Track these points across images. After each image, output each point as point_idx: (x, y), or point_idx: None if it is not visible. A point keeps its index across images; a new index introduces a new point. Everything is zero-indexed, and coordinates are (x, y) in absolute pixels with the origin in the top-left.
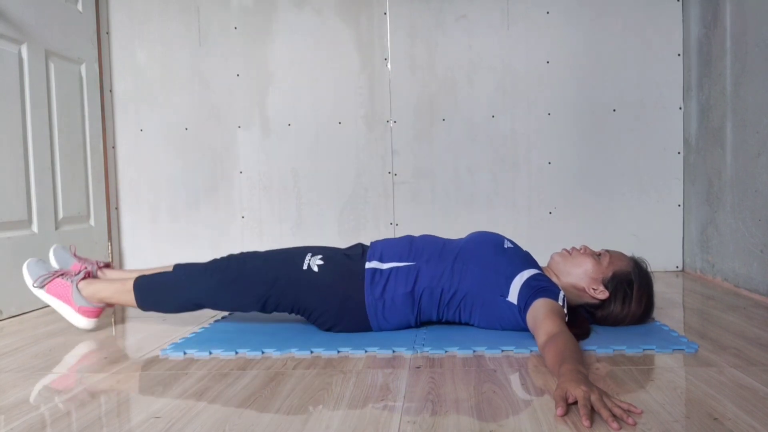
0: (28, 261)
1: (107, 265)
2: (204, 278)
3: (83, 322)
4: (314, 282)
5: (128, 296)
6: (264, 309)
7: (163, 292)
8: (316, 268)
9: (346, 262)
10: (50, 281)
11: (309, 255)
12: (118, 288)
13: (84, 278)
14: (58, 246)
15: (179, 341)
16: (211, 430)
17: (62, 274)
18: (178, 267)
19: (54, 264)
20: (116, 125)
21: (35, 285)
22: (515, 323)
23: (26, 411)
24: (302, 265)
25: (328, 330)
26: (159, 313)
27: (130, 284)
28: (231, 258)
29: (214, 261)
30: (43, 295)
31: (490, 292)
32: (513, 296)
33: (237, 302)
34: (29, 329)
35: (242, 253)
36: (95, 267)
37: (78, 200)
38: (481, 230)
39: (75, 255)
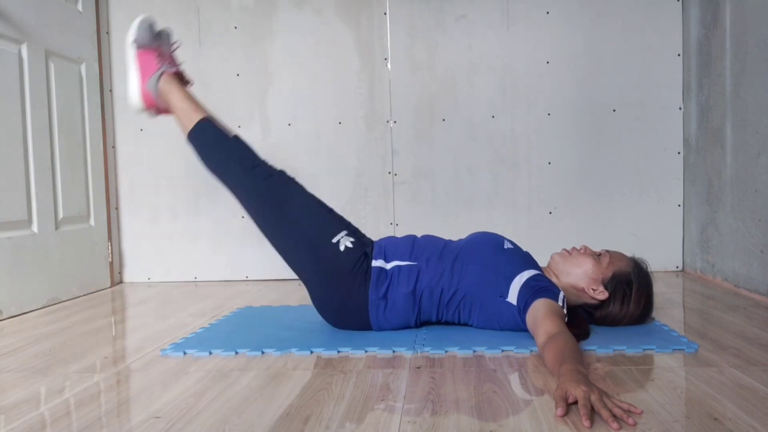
0: (145, 17)
1: (188, 84)
2: (250, 176)
3: (137, 101)
4: (332, 260)
5: (188, 122)
6: (272, 243)
7: (214, 149)
8: (342, 248)
9: (364, 257)
10: (147, 50)
11: (344, 233)
12: (188, 109)
13: (174, 74)
14: (167, 32)
15: (179, 341)
16: (211, 430)
17: (161, 54)
18: (237, 140)
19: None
20: (116, 125)
21: (134, 42)
22: (514, 324)
23: (26, 411)
24: (332, 238)
25: (326, 320)
26: (195, 154)
27: (197, 118)
28: (282, 179)
29: (267, 166)
30: (131, 54)
31: (489, 292)
32: (512, 297)
33: (258, 217)
34: (29, 329)
35: (293, 182)
36: (178, 70)
37: (78, 200)
38: (481, 230)
39: (173, 53)
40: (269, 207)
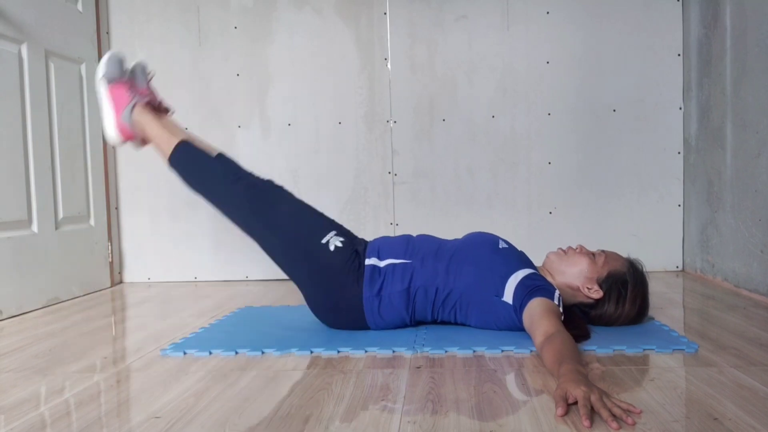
0: (113, 52)
1: (167, 111)
2: (234, 190)
3: (113, 135)
4: (324, 261)
5: (166, 148)
6: (265, 250)
7: (195, 170)
8: (332, 248)
9: (356, 255)
10: (117, 84)
11: (333, 233)
12: (165, 136)
13: (147, 104)
14: (141, 64)
15: (179, 341)
16: (211, 430)
17: (132, 87)
18: (221, 157)
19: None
20: None
21: (104, 77)
22: (511, 323)
23: (26, 411)
24: (322, 239)
25: (323, 321)
26: (178, 178)
27: (175, 142)
28: (268, 187)
29: (253, 178)
30: (103, 89)
31: (485, 292)
32: (508, 296)
33: (247, 228)
34: (29, 329)
35: (280, 190)
36: (157, 102)
37: (78, 200)
38: (476, 231)
39: (149, 83)
40: (255, 217)
